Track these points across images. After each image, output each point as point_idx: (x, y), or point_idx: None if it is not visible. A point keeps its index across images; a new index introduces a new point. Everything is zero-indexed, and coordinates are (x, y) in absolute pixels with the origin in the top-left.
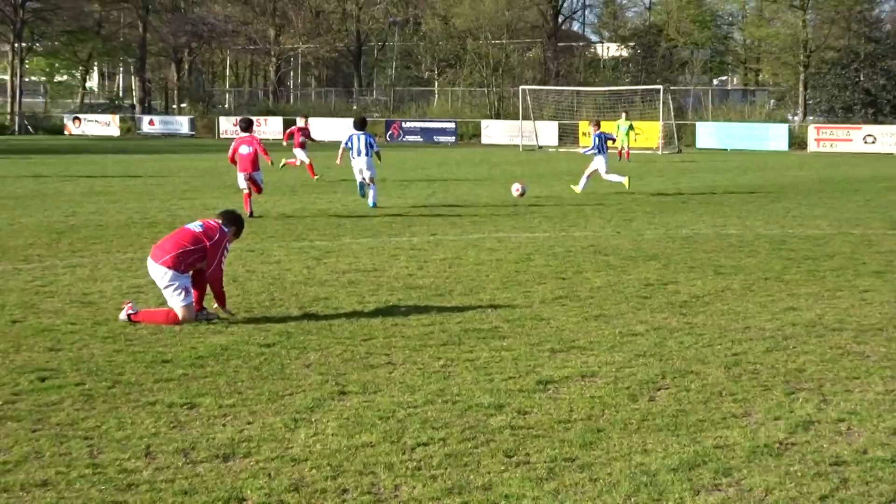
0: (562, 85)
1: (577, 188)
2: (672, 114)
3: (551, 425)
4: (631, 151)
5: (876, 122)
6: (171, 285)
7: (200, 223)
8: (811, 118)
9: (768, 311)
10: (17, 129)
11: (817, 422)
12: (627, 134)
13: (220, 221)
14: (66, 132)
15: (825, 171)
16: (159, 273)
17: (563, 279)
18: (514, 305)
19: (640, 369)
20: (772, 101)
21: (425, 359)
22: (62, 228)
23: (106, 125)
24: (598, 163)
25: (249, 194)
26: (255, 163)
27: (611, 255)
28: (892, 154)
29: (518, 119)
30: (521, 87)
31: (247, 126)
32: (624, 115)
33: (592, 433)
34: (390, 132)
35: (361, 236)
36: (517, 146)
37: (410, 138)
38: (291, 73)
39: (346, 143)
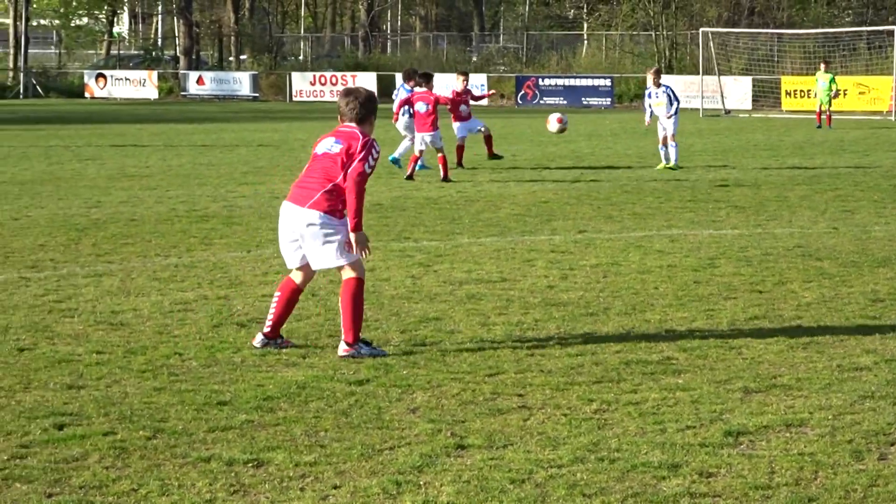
0: (757, 26)
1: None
2: None
3: (745, 492)
4: (834, 116)
5: None
6: (328, 235)
7: (334, 139)
8: None
9: None
10: (21, 90)
11: None
12: (829, 91)
13: (351, 125)
14: (86, 94)
15: None
16: (305, 219)
17: (760, 293)
18: (694, 329)
19: (866, 416)
20: None
21: (572, 401)
22: (83, 224)
23: (140, 85)
24: (671, 125)
25: (444, 156)
26: (434, 123)
27: (825, 259)
28: None
29: (698, 74)
30: (701, 29)
31: (427, 80)
32: (823, 65)
33: (801, 503)
34: (522, 92)
35: (484, 234)
36: (696, 110)
37: (550, 100)
38: (388, 14)
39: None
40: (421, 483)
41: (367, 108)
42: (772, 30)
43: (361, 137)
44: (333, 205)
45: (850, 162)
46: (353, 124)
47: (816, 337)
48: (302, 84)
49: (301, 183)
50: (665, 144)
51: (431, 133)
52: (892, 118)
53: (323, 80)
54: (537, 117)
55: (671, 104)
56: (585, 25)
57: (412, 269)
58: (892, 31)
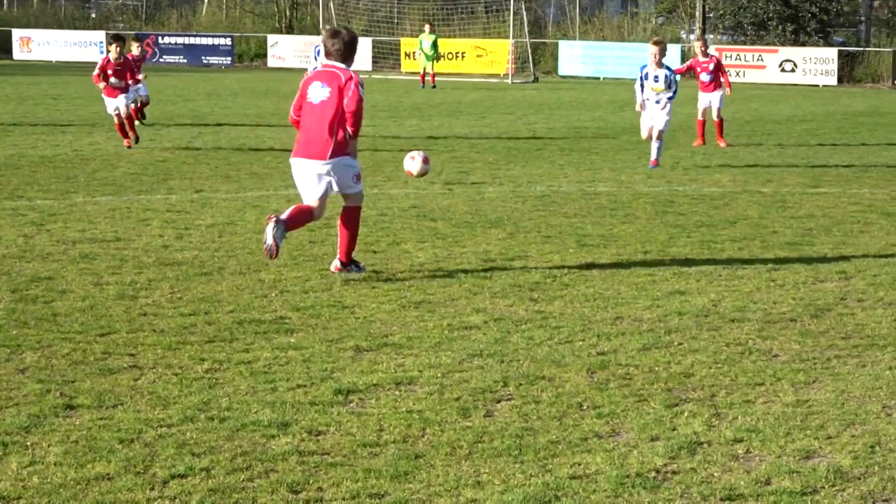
0: None
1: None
2: (526, 29)
3: (353, 450)
4: (452, 78)
5: (797, 42)
6: (350, 166)
7: (320, 83)
8: (711, 37)
9: (647, 295)
10: None
11: (707, 443)
12: (432, 53)
13: (336, 63)
14: None
15: (729, 109)
16: (328, 167)
17: (375, 252)
18: (308, 289)
19: (474, 374)
20: (659, 16)
21: (184, 361)
22: None
23: None
24: (664, 118)
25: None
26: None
27: (439, 220)
28: (816, 86)
29: (317, 34)
30: None
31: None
32: (427, 27)
33: (408, 460)
34: (142, 50)
35: (99, 193)
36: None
37: (170, 58)
38: None
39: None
40: (28, 444)
41: (351, 48)
42: None
43: (346, 74)
44: (345, 144)
45: (466, 124)
46: (339, 62)
47: (428, 296)
48: None
49: (310, 137)
50: (651, 138)
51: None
52: (509, 81)
53: None
54: (157, 76)
55: (669, 90)
56: None
57: (24, 229)
58: None
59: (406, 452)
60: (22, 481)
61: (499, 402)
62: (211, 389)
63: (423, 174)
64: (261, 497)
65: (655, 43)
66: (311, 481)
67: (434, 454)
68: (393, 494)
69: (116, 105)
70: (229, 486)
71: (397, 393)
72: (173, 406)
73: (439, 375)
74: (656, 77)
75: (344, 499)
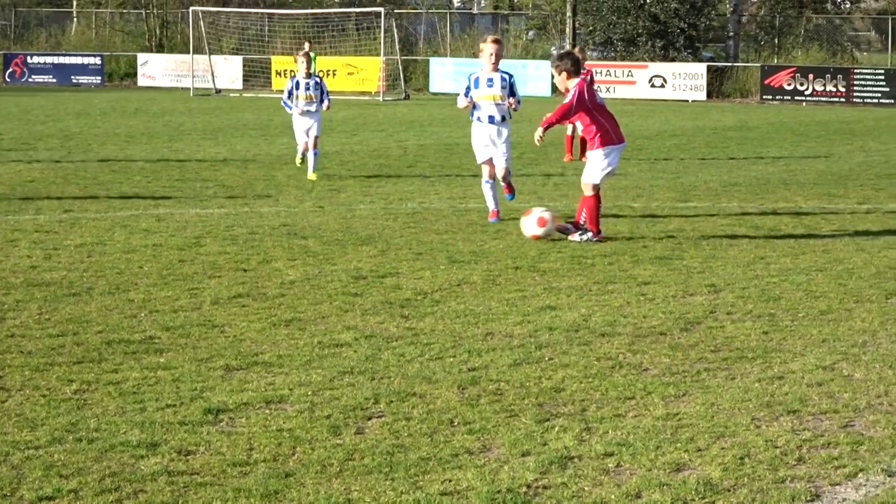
0: (248, 6)
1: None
2: (398, 46)
3: (223, 469)
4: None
5: (666, 58)
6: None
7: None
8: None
9: (518, 311)
10: None
11: (577, 457)
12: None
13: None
14: None
15: None
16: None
17: (245, 271)
18: (177, 309)
19: (345, 392)
20: (530, 32)
21: (52, 382)
22: None
23: None
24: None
25: None
26: None
27: (310, 237)
28: (685, 101)
29: (188, 53)
30: (191, 8)
31: None
32: (307, 45)
33: (279, 479)
34: (10, 70)
35: None
36: (187, 89)
37: (39, 78)
38: None
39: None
40: None
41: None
42: (262, 10)
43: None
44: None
45: (338, 141)
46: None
47: (299, 314)
48: None
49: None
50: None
51: None
52: (380, 98)
53: None
54: (25, 95)
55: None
56: (76, 3)
57: None
58: (380, 13)
59: (276, 471)
60: None
61: (370, 419)
62: (79, 410)
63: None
64: None
65: (495, 41)
66: (180, 502)
67: (304, 472)
68: None
69: None
70: None
71: (267, 411)
72: (41, 427)
73: (310, 393)
74: (490, 81)
75: None
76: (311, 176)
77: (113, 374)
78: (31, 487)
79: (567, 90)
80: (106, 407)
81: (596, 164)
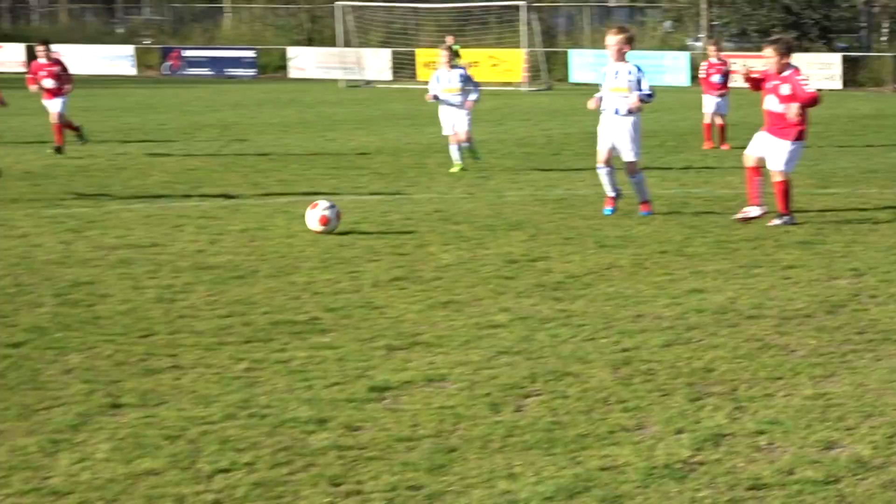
0: (392, 0)
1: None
2: (539, 39)
3: (389, 444)
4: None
5: (800, 48)
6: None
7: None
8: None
9: (666, 294)
10: None
11: (730, 435)
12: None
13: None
14: None
15: (737, 113)
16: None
17: (402, 255)
18: (339, 291)
19: (502, 371)
20: (667, 23)
21: (223, 361)
22: None
23: None
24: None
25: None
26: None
27: (463, 223)
28: (820, 90)
29: (336, 46)
30: (335, 3)
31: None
32: (450, 38)
33: (443, 454)
34: (168, 63)
35: (134, 201)
36: (336, 81)
37: (195, 71)
38: None
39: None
40: (77, 442)
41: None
42: (407, 3)
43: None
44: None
45: (485, 130)
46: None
47: (455, 296)
48: None
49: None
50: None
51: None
52: (524, 88)
53: None
54: (182, 87)
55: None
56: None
57: (64, 235)
58: (520, 7)
59: (440, 446)
60: (73, 477)
61: (527, 397)
62: (250, 388)
63: (326, 229)
64: (303, 490)
65: (614, 32)
66: (350, 475)
67: (467, 448)
68: (430, 487)
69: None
70: (272, 479)
71: (429, 390)
72: (215, 404)
73: (469, 372)
74: (616, 73)
75: (383, 491)
76: (454, 168)
77: (280, 353)
78: (208, 461)
79: (778, 73)
80: (275, 385)
81: (794, 157)
